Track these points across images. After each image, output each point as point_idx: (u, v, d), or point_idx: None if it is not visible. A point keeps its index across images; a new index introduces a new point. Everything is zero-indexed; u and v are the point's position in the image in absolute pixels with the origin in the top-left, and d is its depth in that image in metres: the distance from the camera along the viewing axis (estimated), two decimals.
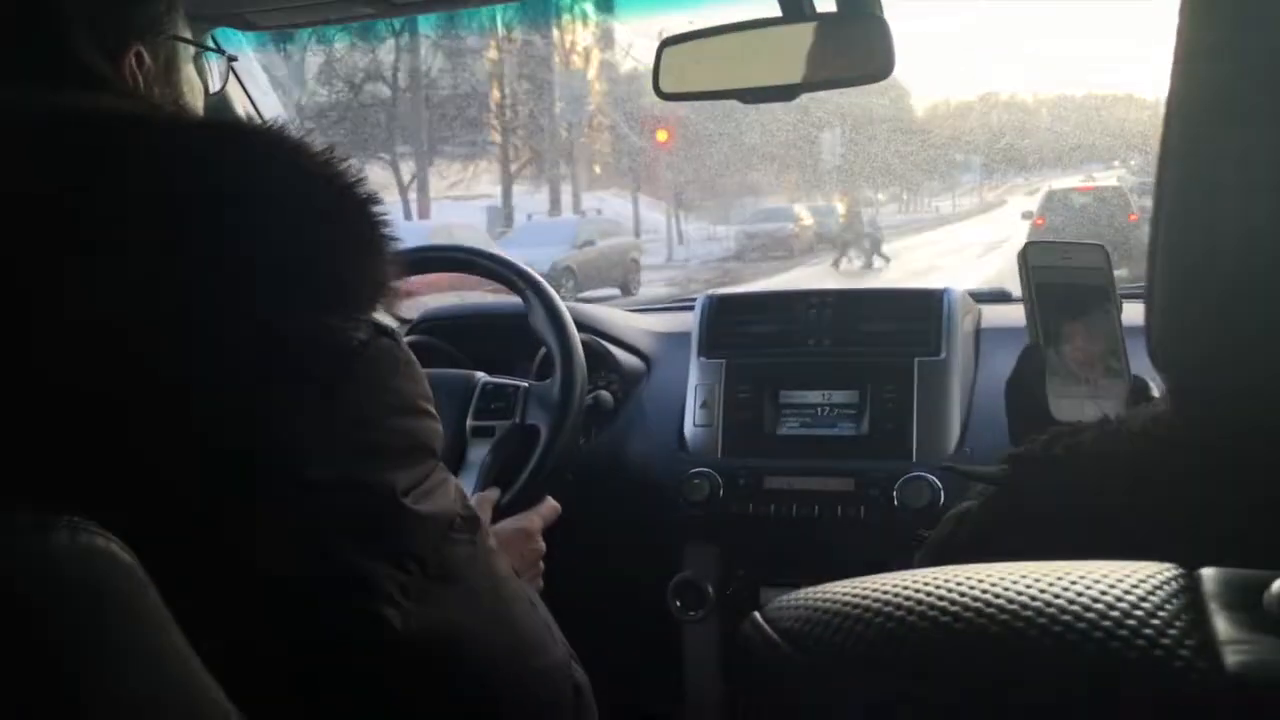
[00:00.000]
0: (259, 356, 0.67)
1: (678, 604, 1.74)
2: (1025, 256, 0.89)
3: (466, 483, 1.54)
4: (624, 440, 1.81)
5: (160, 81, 0.83)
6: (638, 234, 17.88)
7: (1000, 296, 1.97)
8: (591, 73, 19.05)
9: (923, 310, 1.71)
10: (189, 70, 0.88)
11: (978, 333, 1.78)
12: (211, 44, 1.56)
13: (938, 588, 0.40)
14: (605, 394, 1.83)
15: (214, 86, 0.97)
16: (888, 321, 1.72)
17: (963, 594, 0.39)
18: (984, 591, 0.39)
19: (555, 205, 18.58)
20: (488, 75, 17.80)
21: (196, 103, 0.90)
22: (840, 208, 19.07)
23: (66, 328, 0.63)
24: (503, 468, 1.59)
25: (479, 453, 1.59)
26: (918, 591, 0.40)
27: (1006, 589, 0.39)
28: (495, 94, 17.67)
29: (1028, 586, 0.39)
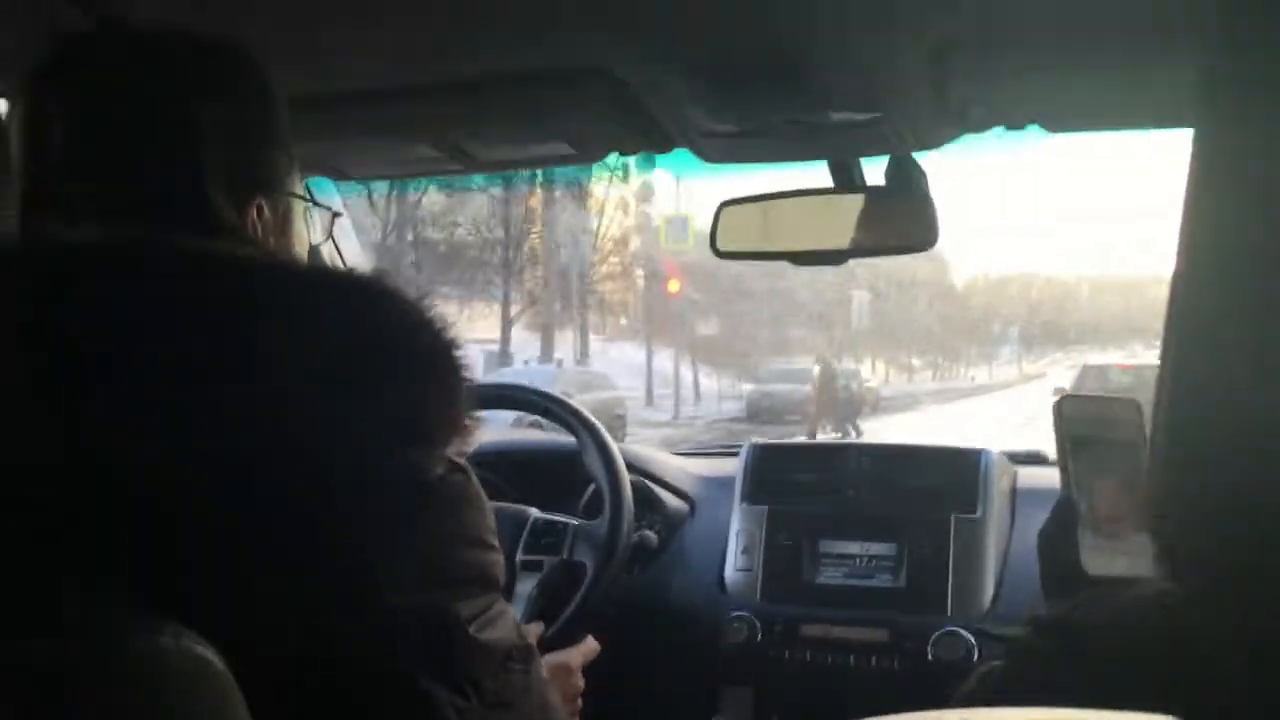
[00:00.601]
0: (346, 485, 0.73)
1: None
2: (1060, 409, 0.92)
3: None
4: (666, 580, 1.85)
5: (276, 233, 0.89)
6: (649, 388, 17.48)
7: (1036, 459, 2.02)
8: (605, 219, 19.04)
9: (961, 469, 1.77)
10: (300, 224, 0.95)
11: (1014, 493, 1.82)
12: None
13: None
14: (650, 534, 1.88)
15: (317, 239, 1.04)
16: (927, 478, 1.78)
17: None
18: None
19: (546, 353, 18.31)
20: (487, 216, 17.78)
21: (303, 254, 0.96)
22: (863, 370, 18.43)
23: (181, 445, 0.69)
24: (548, 602, 1.64)
25: (526, 586, 1.64)
26: None
27: None
28: (500, 234, 17.57)
29: None
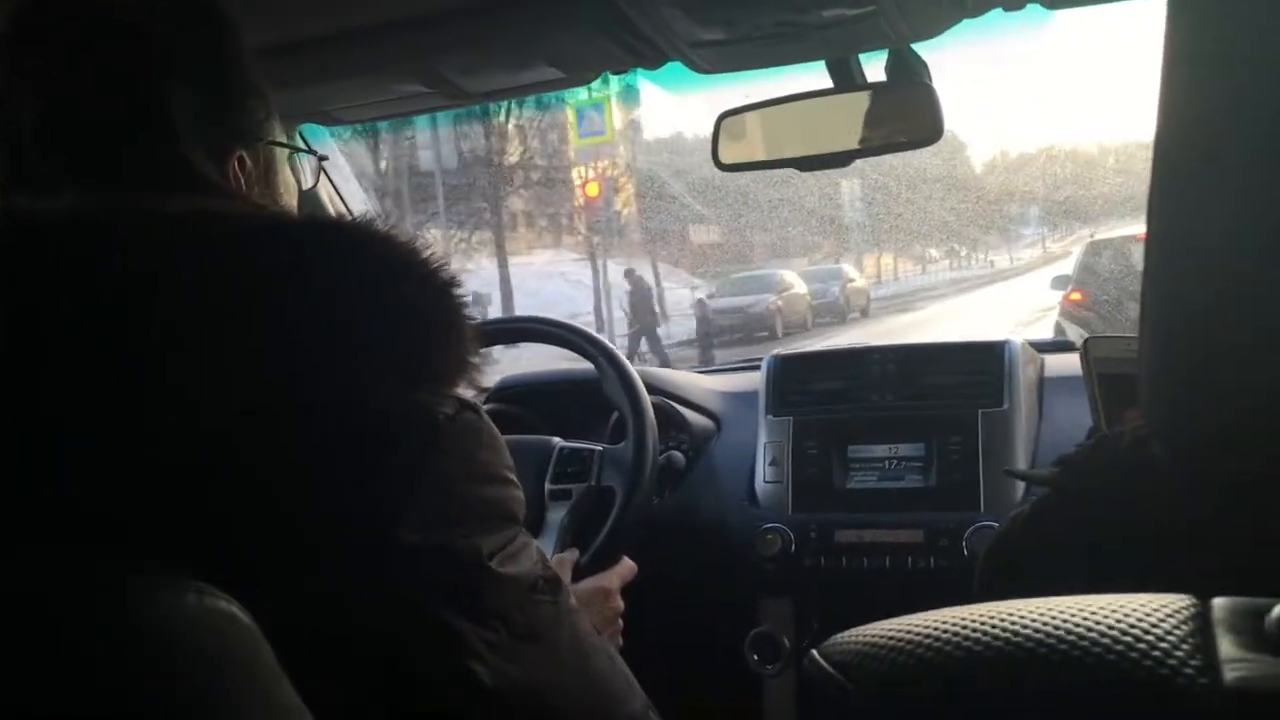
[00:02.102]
0: (355, 431, 0.73)
1: (755, 657, 1.77)
2: (1086, 350, 0.93)
3: (546, 544, 1.60)
4: (696, 498, 1.86)
5: (260, 183, 0.89)
6: (598, 306, 15.53)
7: (1062, 346, 2.00)
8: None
9: (985, 362, 1.75)
10: (285, 171, 0.94)
11: (1041, 382, 1.80)
12: (300, 142, 1.67)
13: (973, 621, 0.45)
14: (677, 454, 1.89)
15: (306, 184, 1.03)
16: (951, 374, 1.76)
17: (994, 625, 0.44)
18: (1014, 623, 0.44)
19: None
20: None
21: (292, 201, 0.95)
22: (849, 270, 16.35)
23: (186, 404, 0.70)
24: (580, 529, 1.65)
25: (557, 515, 1.65)
26: (955, 624, 0.45)
27: (1034, 620, 0.44)
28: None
29: (1054, 618, 0.43)
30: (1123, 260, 8.50)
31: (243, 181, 0.86)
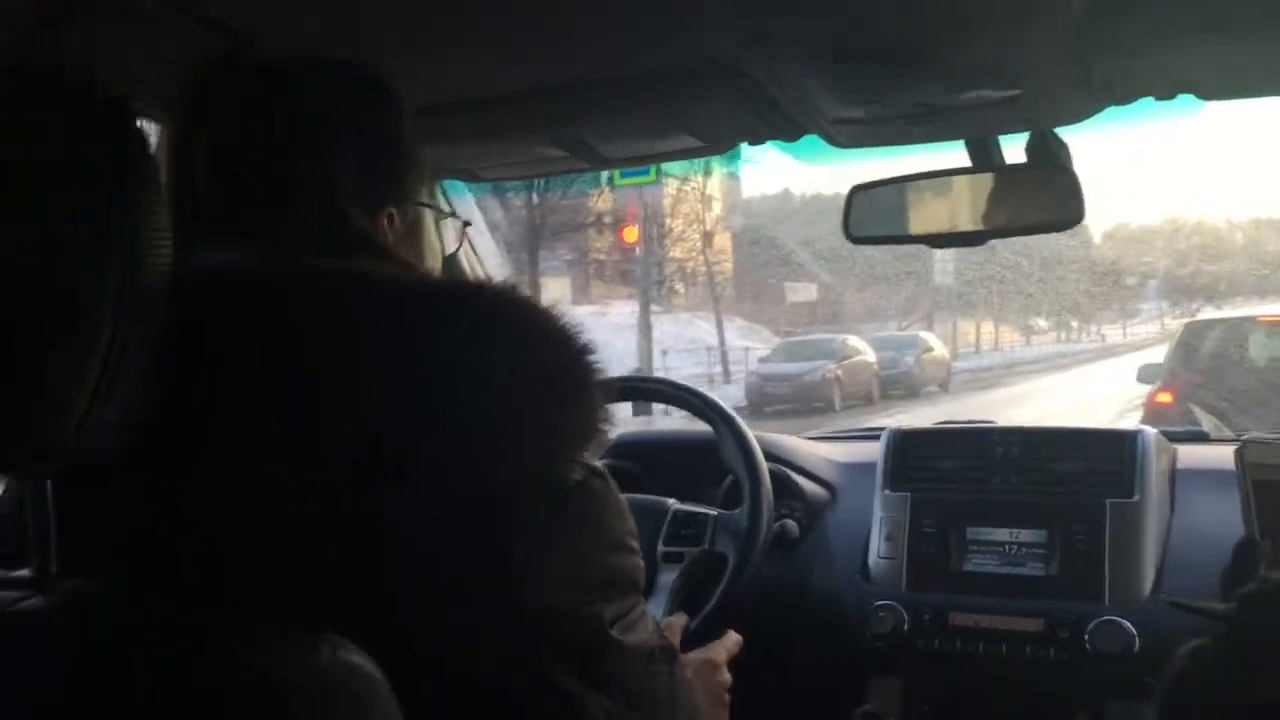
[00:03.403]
0: (486, 494, 0.74)
1: None
2: (1242, 455, 0.90)
3: (656, 605, 1.60)
4: (808, 569, 1.84)
5: (406, 243, 0.91)
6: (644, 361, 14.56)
7: (1197, 437, 1.93)
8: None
9: (1115, 450, 1.70)
10: (431, 233, 0.96)
11: (1173, 474, 1.75)
12: (442, 197, 1.72)
13: None
14: (791, 523, 1.87)
15: (450, 248, 1.04)
16: (1078, 461, 1.72)
17: None
18: None
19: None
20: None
21: (436, 263, 0.97)
22: (929, 338, 14.90)
23: (324, 461, 0.72)
24: (690, 593, 1.65)
25: (669, 577, 1.65)
26: None
27: None
28: None
29: None
30: (1234, 349, 6.62)
31: (390, 239, 0.89)
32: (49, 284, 0.61)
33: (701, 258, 18.35)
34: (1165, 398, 6.37)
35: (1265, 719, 0.60)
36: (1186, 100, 1.28)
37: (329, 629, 0.65)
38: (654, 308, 18.00)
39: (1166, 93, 1.24)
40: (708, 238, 18.58)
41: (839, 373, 13.43)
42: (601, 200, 17.28)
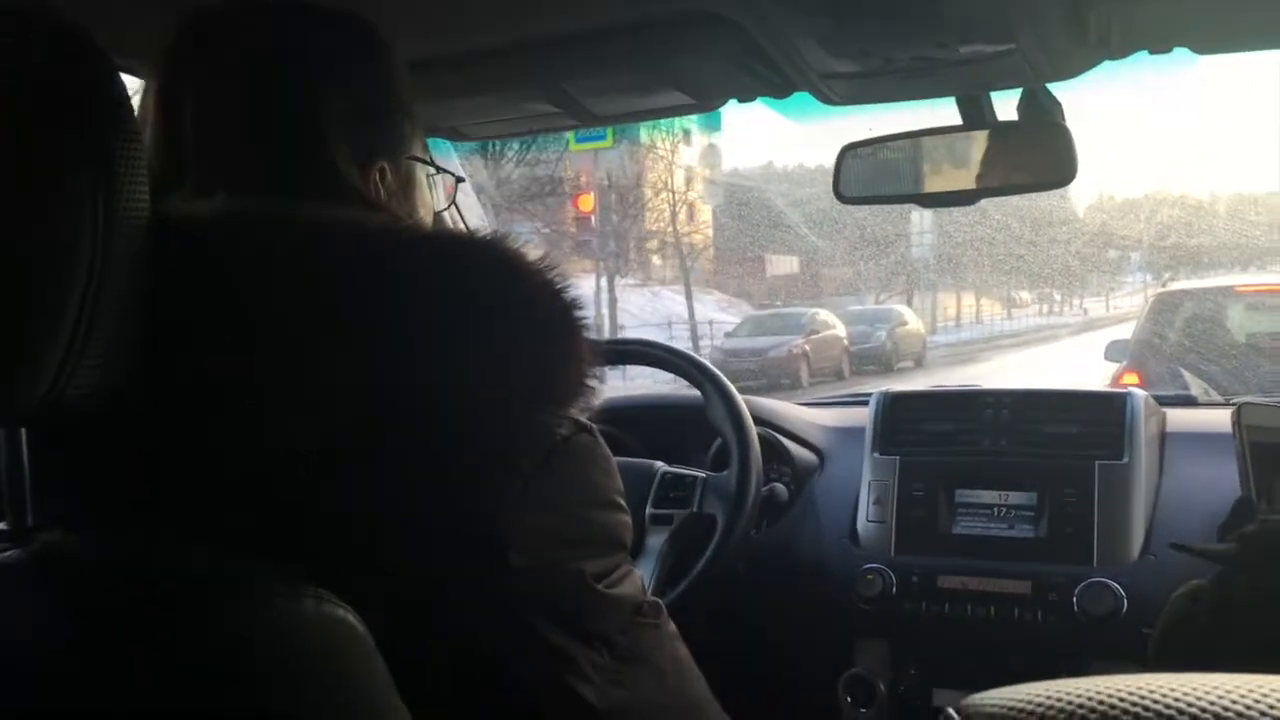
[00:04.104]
0: (472, 446, 0.74)
1: (848, 699, 1.74)
2: (1239, 416, 0.90)
3: (645, 568, 1.59)
4: (796, 533, 1.83)
5: (399, 197, 0.89)
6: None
7: (1186, 400, 1.93)
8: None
9: (1105, 413, 1.69)
10: (424, 188, 0.95)
11: (1163, 437, 1.74)
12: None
13: (1134, 694, 0.43)
14: (779, 486, 1.86)
15: (440, 204, 1.03)
16: (1068, 424, 1.71)
17: (1157, 700, 0.41)
18: (1179, 699, 0.41)
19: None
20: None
21: (428, 217, 0.96)
22: (903, 311, 14.48)
23: (309, 406, 0.71)
24: (679, 555, 1.64)
25: (657, 540, 1.64)
26: (1113, 697, 0.43)
27: (1200, 698, 0.41)
28: None
29: (1220, 697, 0.41)
30: (1209, 324, 6.09)
31: (383, 193, 0.87)
32: (19, 232, 0.60)
33: (673, 229, 18.16)
34: (1131, 379, 5.59)
35: (1267, 658, 0.59)
36: (1181, 55, 1.27)
37: (310, 579, 0.63)
38: (629, 281, 17.78)
39: (1163, 45, 1.23)
40: (687, 208, 18.38)
41: (807, 348, 13.06)
42: (561, 168, 16.86)
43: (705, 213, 19.08)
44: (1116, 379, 5.77)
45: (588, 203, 16.44)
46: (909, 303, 16.53)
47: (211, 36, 0.85)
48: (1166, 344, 6.06)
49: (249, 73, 0.84)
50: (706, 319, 16.55)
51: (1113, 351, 6.47)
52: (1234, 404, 0.92)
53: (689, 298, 16.71)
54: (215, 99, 0.83)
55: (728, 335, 14.52)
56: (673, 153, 17.53)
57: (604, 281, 15.98)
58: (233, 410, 0.71)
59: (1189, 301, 6.45)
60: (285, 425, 0.70)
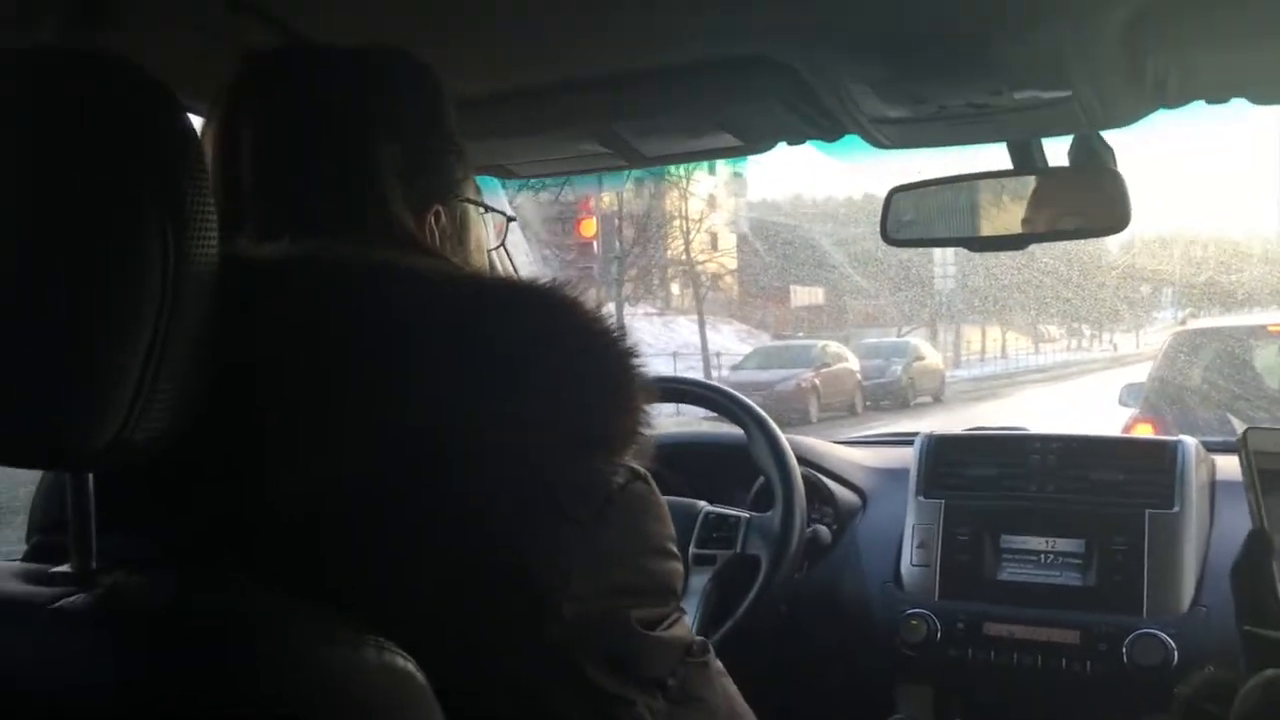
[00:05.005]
0: (528, 495, 0.73)
1: None
2: (1246, 443, 0.87)
3: (689, 608, 1.58)
4: (839, 576, 1.82)
5: (453, 240, 0.90)
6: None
7: (1235, 447, 1.90)
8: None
9: (1155, 461, 1.67)
10: (479, 229, 0.95)
11: (1213, 485, 1.72)
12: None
13: None
14: (822, 528, 1.85)
15: (492, 244, 1.03)
16: (1116, 471, 1.69)
17: None
18: None
19: None
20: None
21: (483, 259, 0.96)
22: (921, 345, 13.96)
23: (364, 452, 0.71)
24: (722, 596, 1.63)
25: (700, 580, 1.63)
26: None
27: None
28: None
29: None
30: (1233, 366, 5.35)
31: (438, 237, 0.88)
32: (90, 277, 0.60)
33: (686, 256, 18.07)
34: (1147, 428, 5.13)
35: None
36: (1238, 105, 1.26)
37: (364, 624, 0.63)
38: (644, 309, 17.66)
39: (1221, 96, 1.22)
40: (710, 237, 18.30)
41: (816, 381, 12.66)
42: (566, 192, 17.01)
43: (728, 241, 18.97)
44: (1128, 428, 5.26)
45: (590, 228, 16.25)
46: (933, 336, 16.29)
47: (270, 79, 0.87)
48: (1186, 389, 5.53)
49: (306, 116, 0.85)
50: (723, 349, 16.24)
51: (1127, 395, 5.98)
52: (1241, 429, 0.89)
53: (702, 327, 16.57)
54: (274, 144, 0.84)
55: (734, 368, 14.19)
56: (687, 181, 17.40)
57: (609, 309, 15.90)
58: (297, 452, 0.71)
59: (1213, 341, 5.84)
60: (347, 467, 0.70)
